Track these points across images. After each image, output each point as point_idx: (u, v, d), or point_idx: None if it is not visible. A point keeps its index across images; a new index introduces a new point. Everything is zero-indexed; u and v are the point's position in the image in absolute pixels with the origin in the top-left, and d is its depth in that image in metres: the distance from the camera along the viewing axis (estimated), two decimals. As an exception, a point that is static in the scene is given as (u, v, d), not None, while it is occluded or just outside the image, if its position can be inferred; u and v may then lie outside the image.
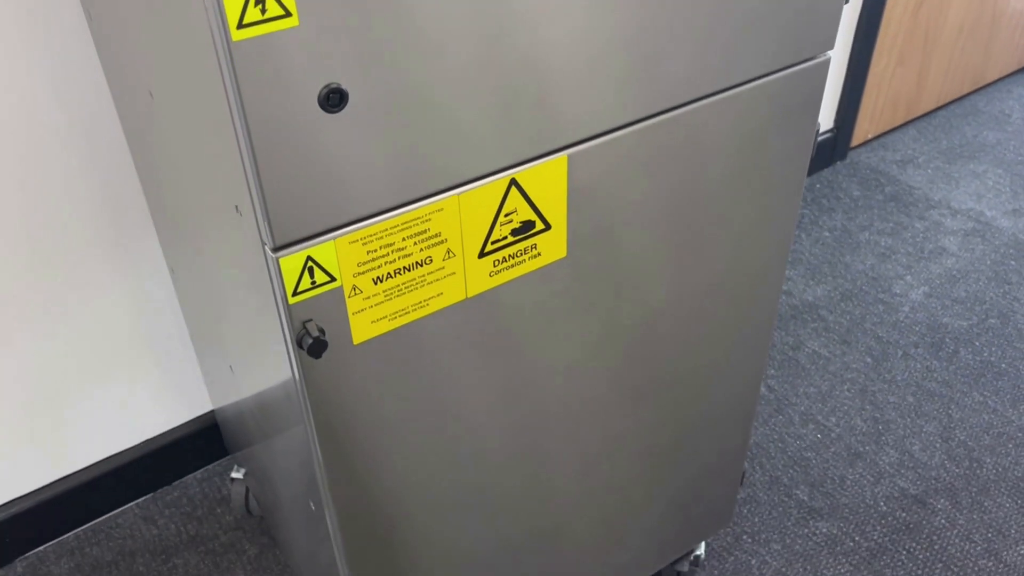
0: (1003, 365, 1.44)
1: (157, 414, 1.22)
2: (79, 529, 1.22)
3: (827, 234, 1.74)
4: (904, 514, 1.21)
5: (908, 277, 1.63)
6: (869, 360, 1.45)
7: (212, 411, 1.27)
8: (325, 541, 0.76)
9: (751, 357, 0.91)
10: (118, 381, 1.15)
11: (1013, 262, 1.65)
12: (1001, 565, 1.14)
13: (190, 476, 1.30)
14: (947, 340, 1.49)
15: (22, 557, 1.20)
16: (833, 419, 1.35)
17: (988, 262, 1.66)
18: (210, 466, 1.31)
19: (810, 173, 1.90)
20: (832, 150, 1.90)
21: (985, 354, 1.46)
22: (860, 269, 1.65)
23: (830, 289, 1.61)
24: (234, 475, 1.15)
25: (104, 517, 1.24)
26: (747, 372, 0.92)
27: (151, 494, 1.27)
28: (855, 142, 1.97)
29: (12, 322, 1.03)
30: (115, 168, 1.00)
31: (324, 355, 0.60)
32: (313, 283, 0.56)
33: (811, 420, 1.35)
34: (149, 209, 1.02)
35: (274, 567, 1.18)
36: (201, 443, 1.27)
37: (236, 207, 0.57)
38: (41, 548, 1.21)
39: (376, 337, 0.62)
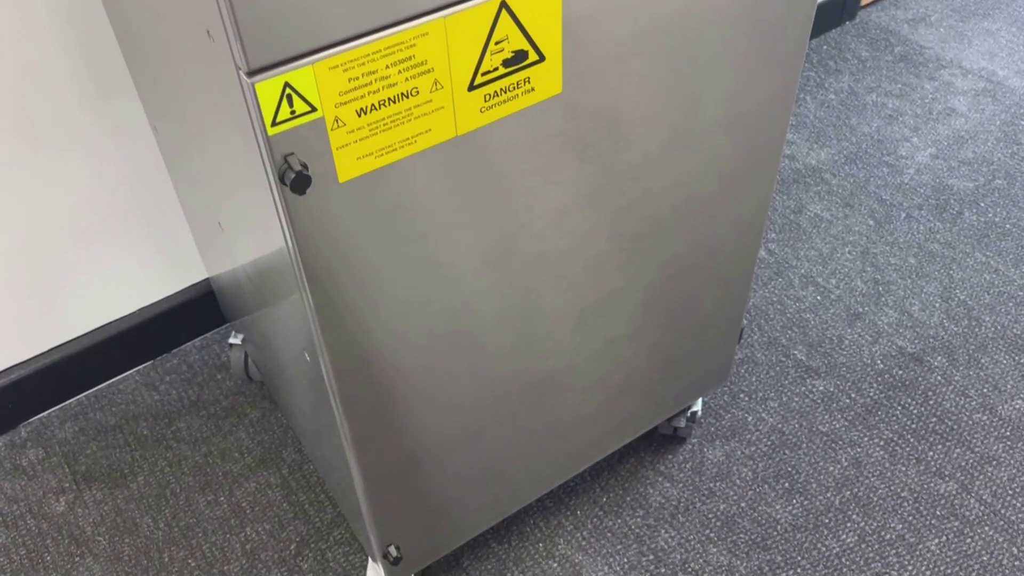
0: (1007, 225, 1.42)
1: (153, 282, 1.21)
2: (81, 395, 1.24)
3: (832, 96, 1.69)
4: (901, 372, 1.22)
5: (915, 139, 1.59)
6: (871, 223, 1.43)
7: (208, 279, 1.26)
8: (323, 396, 0.76)
9: (750, 213, 0.89)
10: (111, 248, 1.14)
11: (1023, 122, 1.61)
12: (996, 419, 1.15)
13: (189, 344, 1.30)
14: (952, 201, 1.47)
15: (26, 422, 1.21)
16: (833, 281, 1.34)
17: (998, 122, 1.61)
18: (208, 334, 1.32)
19: (817, 34, 1.83)
20: (841, 9, 1.83)
21: (990, 215, 1.43)
22: (866, 132, 1.61)
23: (834, 152, 1.57)
24: (232, 341, 1.15)
25: (105, 384, 1.25)
26: (746, 228, 0.90)
27: (151, 361, 1.28)
28: (865, 0, 1.89)
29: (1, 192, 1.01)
30: (90, 19, 0.96)
31: (309, 192, 0.58)
32: (293, 113, 0.54)
33: (811, 282, 1.34)
34: (128, 68, 0.98)
35: (276, 429, 1.19)
36: (198, 311, 1.27)
37: (208, 32, 0.54)
38: (44, 413, 1.22)
39: (363, 176, 0.59)
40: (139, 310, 1.22)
